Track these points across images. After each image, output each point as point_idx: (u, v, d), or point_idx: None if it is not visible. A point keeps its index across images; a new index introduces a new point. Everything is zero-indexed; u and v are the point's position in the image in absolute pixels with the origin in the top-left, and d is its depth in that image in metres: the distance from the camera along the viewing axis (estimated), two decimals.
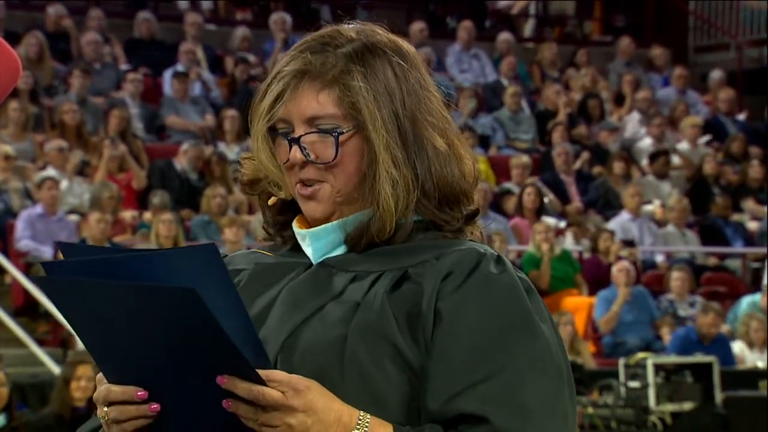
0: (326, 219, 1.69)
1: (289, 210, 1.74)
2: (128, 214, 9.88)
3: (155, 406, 1.57)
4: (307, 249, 1.71)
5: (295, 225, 1.73)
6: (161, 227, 9.13)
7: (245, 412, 1.54)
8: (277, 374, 1.55)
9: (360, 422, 1.56)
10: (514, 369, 1.59)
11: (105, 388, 1.60)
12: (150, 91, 11.70)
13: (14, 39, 10.80)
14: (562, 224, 11.16)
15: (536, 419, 1.57)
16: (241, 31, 12.79)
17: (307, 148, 1.67)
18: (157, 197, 9.92)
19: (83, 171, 10.17)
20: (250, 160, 1.74)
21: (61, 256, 1.56)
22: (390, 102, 1.67)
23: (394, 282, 1.64)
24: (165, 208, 9.72)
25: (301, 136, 1.67)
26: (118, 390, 1.59)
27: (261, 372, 1.53)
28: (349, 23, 1.74)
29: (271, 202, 1.74)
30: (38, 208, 9.48)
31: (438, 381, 1.58)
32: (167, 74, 11.71)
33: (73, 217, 9.69)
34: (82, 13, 12.23)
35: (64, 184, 9.83)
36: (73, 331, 1.59)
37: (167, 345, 1.51)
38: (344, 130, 1.66)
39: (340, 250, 1.70)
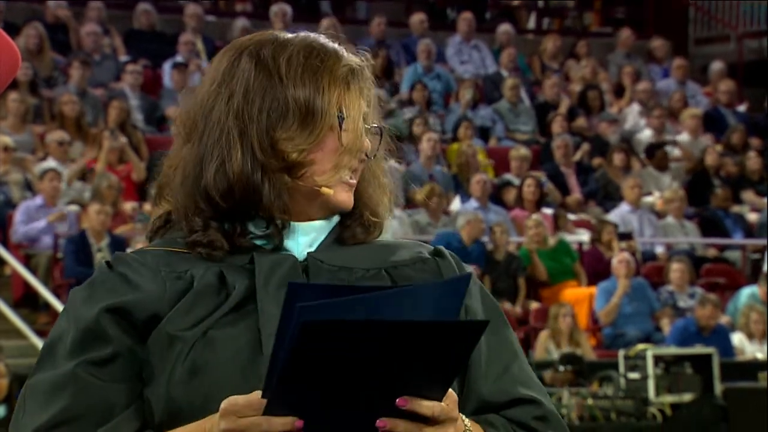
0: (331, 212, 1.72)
1: (216, 211, 1.67)
2: (128, 206, 9.88)
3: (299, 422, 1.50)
4: (289, 242, 1.68)
5: (279, 217, 1.68)
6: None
7: (405, 430, 1.52)
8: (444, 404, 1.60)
9: (465, 425, 1.63)
10: (521, 356, 1.76)
11: (265, 420, 1.50)
12: (150, 83, 11.70)
13: (14, 30, 10.79)
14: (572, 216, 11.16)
15: (546, 396, 1.75)
16: (240, 23, 12.78)
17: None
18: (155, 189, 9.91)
19: (83, 171, 10.17)
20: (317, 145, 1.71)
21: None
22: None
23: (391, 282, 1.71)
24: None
25: (375, 126, 1.72)
26: (278, 422, 1.50)
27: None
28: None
29: (325, 191, 1.72)
30: (38, 200, 9.48)
31: (482, 368, 1.70)
32: (167, 65, 11.70)
33: (73, 208, 9.69)
34: (81, 4, 12.22)
35: (64, 174, 9.83)
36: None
37: (391, 377, 1.48)
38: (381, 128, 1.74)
39: (312, 248, 1.69)
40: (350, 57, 1.71)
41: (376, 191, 1.72)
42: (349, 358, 1.45)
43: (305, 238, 1.69)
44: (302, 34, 1.73)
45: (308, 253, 1.68)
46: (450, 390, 1.56)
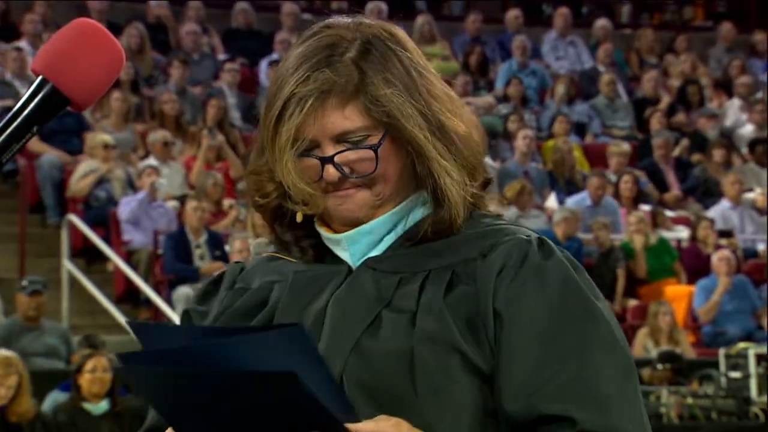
0: (363, 218, 1.65)
1: (304, 221, 1.68)
2: (226, 203, 10.00)
3: None
4: (343, 253, 1.66)
5: (322, 230, 1.67)
6: (257, 216, 9.20)
7: None
8: (366, 426, 1.51)
9: None
10: (582, 357, 1.56)
11: None
12: (247, 81, 11.83)
13: (116, 30, 10.98)
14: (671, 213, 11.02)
15: (616, 408, 1.55)
16: None
17: (342, 165, 1.63)
18: (243, 185, 10.02)
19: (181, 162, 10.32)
20: (254, 175, 1.68)
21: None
22: (411, 98, 1.63)
23: (445, 285, 1.60)
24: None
25: (334, 155, 1.62)
26: None
27: (349, 426, 1.50)
28: (331, 16, 1.72)
29: (299, 219, 1.67)
30: (139, 196, 9.64)
31: (511, 382, 1.55)
32: (264, 64, 11.82)
33: (173, 204, 9.83)
34: (181, 3, 12.40)
35: (165, 172, 9.99)
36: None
37: (261, 427, 1.48)
38: (380, 141, 1.62)
39: (378, 250, 1.65)
40: (308, 84, 1.61)
41: (445, 181, 1.62)
42: (195, 407, 1.48)
43: (356, 246, 1.65)
44: (307, 33, 1.69)
45: (367, 259, 1.64)
46: (381, 424, 1.50)
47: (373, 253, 1.65)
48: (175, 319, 8.60)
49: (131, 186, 9.95)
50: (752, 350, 8.17)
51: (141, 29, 11.45)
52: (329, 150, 1.63)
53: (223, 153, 10.46)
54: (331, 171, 1.62)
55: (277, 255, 1.72)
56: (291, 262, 1.69)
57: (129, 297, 9.42)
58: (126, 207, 9.59)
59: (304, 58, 1.65)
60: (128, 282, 9.23)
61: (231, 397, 1.46)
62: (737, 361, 8.10)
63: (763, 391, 7.97)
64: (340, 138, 1.62)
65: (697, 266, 10.21)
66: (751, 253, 10.88)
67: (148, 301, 9.11)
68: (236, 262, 1.77)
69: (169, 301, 8.89)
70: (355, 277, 1.64)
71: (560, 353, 1.56)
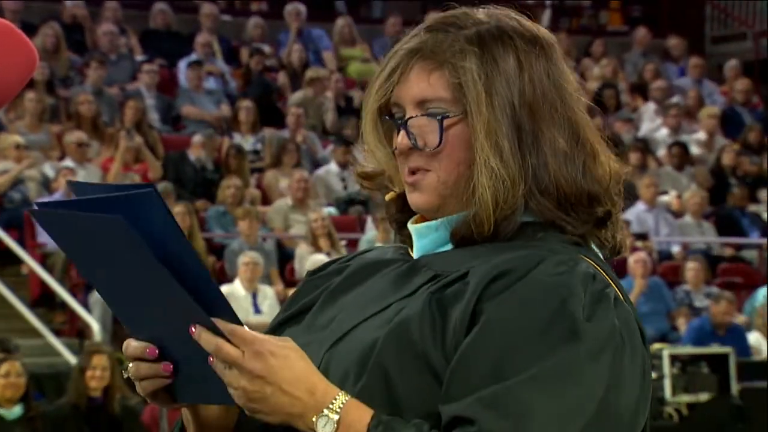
0: (433, 211, 1.57)
1: (408, 207, 1.61)
2: None
3: (167, 365, 1.50)
4: (414, 246, 1.60)
5: (410, 222, 1.61)
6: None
7: (216, 366, 1.46)
8: (242, 331, 1.45)
9: (334, 402, 1.45)
10: (531, 377, 1.43)
11: (126, 341, 1.55)
12: (165, 82, 11.73)
13: (31, 30, 10.82)
14: None
15: (535, 429, 1.41)
16: (255, 22, 12.80)
17: (415, 134, 1.55)
18: (161, 187, 9.97)
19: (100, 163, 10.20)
20: (371, 152, 1.63)
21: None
22: (506, 89, 1.53)
23: (448, 281, 1.52)
24: (169, 196, 9.75)
25: (407, 119, 1.55)
26: (134, 344, 1.52)
27: (223, 325, 1.44)
28: (482, 6, 1.62)
29: (388, 197, 1.62)
30: (56, 197, 9.51)
31: (452, 382, 1.46)
32: (182, 65, 11.73)
33: None
34: (98, 4, 12.26)
35: (81, 174, 9.87)
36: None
37: (137, 288, 1.48)
38: (450, 114, 1.54)
39: (445, 249, 1.57)
40: (410, 42, 1.56)
41: (480, 177, 1.52)
42: (84, 254, 1.51)
43: (423, 241, 1.58)
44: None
45: (422, 256, 1.57)
46: (260, 339, 1.44)
47: (439, 251, 1.58)
48: (93, 324, 8.50)
49: (47, 188, 9.81)
50: (666, 351, 8.29)
51: (57, 29, 11.30)
52: (410, 116, 1.56)
53: (142, 155, 10.36)
54: (403, 138, 1.55)
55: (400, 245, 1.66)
56: (394, 248, 1.64)
57: (44, 300, 9.28)
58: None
59: (424, 24, 1.60)
60: (43, 285, 9.10)
61: (92, 245, 1.47)
62: (652, 362, 8.21)
63: (677, 392, 8.10)
64: (422, 105, 1.55)
65: (613, 268, 10.32)
66: (665, 255, 11.05)
67: (64, 305, 8.98)
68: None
69: (85, 305, 8.78)
70: (402, 270, 1.58)
71: (514, 370, 1.44)
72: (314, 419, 1.45)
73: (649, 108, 13.03)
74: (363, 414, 1.46)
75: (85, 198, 1.50)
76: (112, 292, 1.53)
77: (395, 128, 1.58)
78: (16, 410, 6.65)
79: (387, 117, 1.59)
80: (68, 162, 9.96)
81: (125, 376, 1.55)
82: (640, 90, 13.37)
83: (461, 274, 1.52)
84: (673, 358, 8.21)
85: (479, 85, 1.53)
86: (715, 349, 8.57)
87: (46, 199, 9.57)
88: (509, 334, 1.46)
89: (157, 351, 1.50)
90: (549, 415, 1.42)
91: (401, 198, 1.61)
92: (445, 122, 1.54)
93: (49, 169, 10.00)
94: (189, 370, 1.51)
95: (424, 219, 1.61)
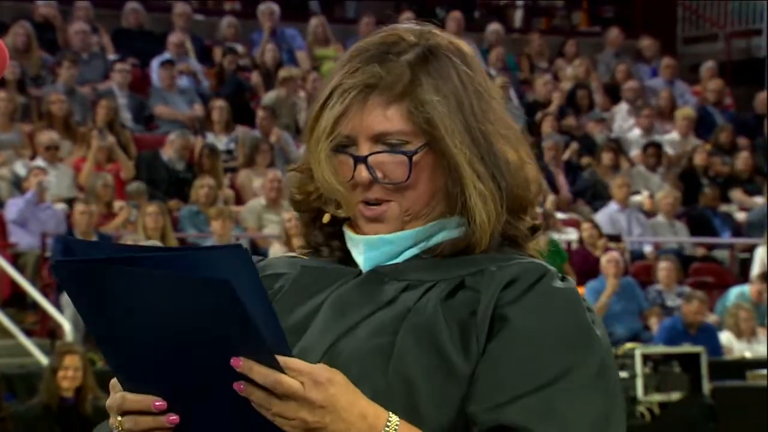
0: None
1: (338, 220, 1.63)
2: (117, 205, 9.86)
3: (174, 417, 1.47)
4: (359, 257, 1.60)
5: (347, 230, 1.62)
6: (148, 219, 9.10)
7: (259, 399, 1.42)
8: (298, 363, 1.43)
9: (389, 425, 1.46)
10: (565, 384, 1.49)
11: (120, 396, 1.50)
12: (138, 81, 11.68)
13: (1, 29, 10.76)
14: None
15: None
16: (229, 21, 12.76)
17: (375, 168, 1.56)
18: (133, 186, 9.93)
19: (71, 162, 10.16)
20: (297, 173, 1.63)
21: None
22: (460, 114, 1.56)
23: (449, 290, 1.55)
24: (141, 196, 9.72)
25: (368, 155, 1.56)
26: (134, 399, 1.48)
27: (280, 358, 1.42)
28: (403, 22, 1.64)
29: (326, 220, 1.62)
30: (27, 196, 9.46)
31: (485, 387, 1.49)
32: (155, 64, 11.69)
33: (61, 206, 9.67)
34: (69, 3, 12.20)
35: (52, 173, 9.81)
36: (90, 331, 1.51)
37: (190, 342, 1.43)
38: (417, 149, 1.55)
39: (394, 261, 1.59)
40: (356, 75, 1.55)
41: (476, 202, 1.54)
42: (125, 313, 1.44)
43: (373, 252, 1.59)
44: (384, 29, 1.63)
45: (379, 266, 1.58)
46: (316, 368, 1.43)
47: (395, 261, 1.59)
48: (65, 324, 8.45)
49: (17, 187, 9.75)
50: (639, 350, 8.32)
51: (28, 28, 11.23)
52: (365, 149, 1.56)
53: (114, 154, 10.31)
54: (363, 172, 1.56)
55: (300, 256, 1.66)
56: (310, 260, 1.64)
57: (15, 300, 9.22)
58: (13, 208, 9.40)
59: (358, 52, 1.59)
60: (14, 285, 9.04)
61: (164, 308, 1.42)
62: (624, 362, 8.24)
63: (649, 391, 8.13)
64: (378, 138, 1.56)
65: (586, 268, 10.36)
66: (638, 255, 11.09)
67: (35, 305, 8.93)
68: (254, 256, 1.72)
69: (57, 305, 8.72)
70: (361, 280, 1.58)
71: (544, 375, 1.49)
72: None
73: (622, 108, 13.08)
74: None
75: (161, 254, 1.45)
76: (129, 347, 1.48)
77: (350, 158, 1.57)
78: None
79: (340, 150, 1.58)
80: (39, 161, 9.90)
81: (114, 429, 1.52)
82: (613, 90, 13.42)
83: (458, 283, 1.55)
84: (645, 358, 8.24)
85: (445, 116, 1.55)
86: (687, 348, 8.61)
87: (15, 199, 9.50)
88: (537, 340, 1.50)
89: (165, 404, 1.47)
90: (585, 422, 1.49)
91: (322, 214, 1.63)
92: (414, 158, 1.55)
93: (20, 168, 9.94)
94: (199, 419, 1.48)
95: (355, 228, 1.62)
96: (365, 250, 1.60)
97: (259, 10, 12.80)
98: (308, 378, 1.43)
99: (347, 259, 1.63)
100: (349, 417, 1.44)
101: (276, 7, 12.75)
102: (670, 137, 12.78)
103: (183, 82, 11.69)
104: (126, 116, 11.20)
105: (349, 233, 1.62)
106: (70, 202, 9.71)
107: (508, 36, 14.14)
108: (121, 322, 1.46)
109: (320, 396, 1.43)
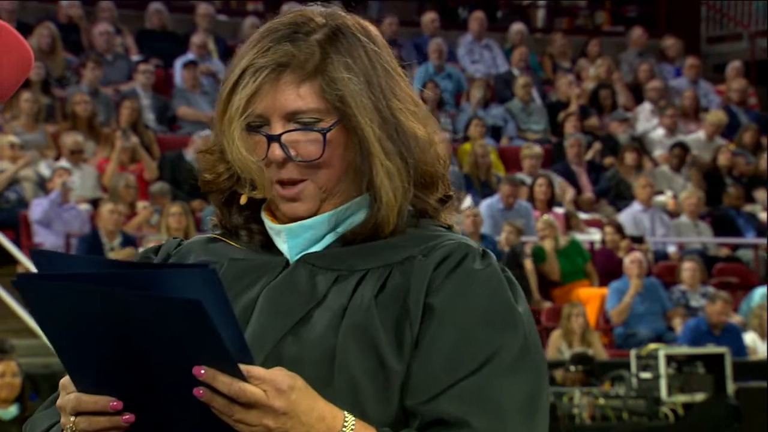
0: (308, 217, 1.61)
1: (254, 203, 1.64)
2: (140, 205, 9.90)
3: (129, 416, 1.48)
4: (282, 245, 1.61)
5: (266, 218, 1.63)
6: (171, 220, 9.14)
7: (221, 407, 1.45)
8: (260, 371, 1.46)
9: (346, 425, 1.50)
10: (492, 368, 1.53)
11: (75, 397, 1.50)
12: (161, 82, 11.72)
13: (26, 30, 10.81)
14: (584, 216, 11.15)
15: (517, 422, 1.52)
16: (252, 22, 12.79)
17: (289, 146, 1.57)
18: (157, 187, 9.97)
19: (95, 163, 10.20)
20: (207, 154, 1.64)
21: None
22: (369, 91, 1.58)
23: (380, 284, 1.57)
24: (164, 196, 9.74)
25: (282, 133, 1.57)
26: (89, 400, 1.48)
27: (242, 367, 1.45)
28: (308, 5, 1.66)
29: (243, 201, 1.63)
30: (51, 196, 9.50)
31: (418, 381, 1.53)
32: (178, 65, 11.73)
33: (85, 207, 9.71)
34: (93, 4, 12.25)
35: (77, 174, 9.86)
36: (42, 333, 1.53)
37: (151, 353, 1.45)
38: (330, 126, 1.57)
39: (318, 247, 1.61)
40: (268, 55, 1.57)
41: (382, 180, 1.57)
42: (87, 326, 1.45)
43: (296, 240, 1.61)
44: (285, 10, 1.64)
45: (305, 254, 1.60)
46: (278, 375, 1.45)
47: (313, 250, 1.61)
48: None
49: (42, 188, 9.81)
50: (662, 351, 8.29)
51: (52, 29, 11.28)
52: (278, 128, 1.57)
53: (137, 155, 10.35)
54: (276, 150, 1.57)
55: (219, 237, 1.67)
56: (232, 246, 1.65)
57: None
58: (37, 208, 9.45)
59: (268, 32, 1.61)
60: None
61: (131, 323, 1.43)
62: (648, 362, 8.22)
63: (672, 392, 8.10)
64: (291, 117, 1.58)
65: (609, 268, 10.34)
66: (661, 256, 11.05)
67: None
68: (174, 238, 1.74)
69: None
70: (291, 272, 1.59)
71: (472, 361, 1.53)
72: None
73: (645, 108, 13.04)
74: (370, 431, 1.51)
75: (139, 270, 1.47)
76: (89, 357, 1.49)
77: (264, 138, 1.58)
78: (12, 410, 6.64)
79: (253, 129, 1.58)
80: (64, 162, 9.95)
81: (68, 428, 1.51)
82: (636, 90, 13.38)
83: (388, 273, 1.56)
84: (669, 359, 8.21)
85: (356, 93, 1.57)
86: (711, 349, 8.58)
87: (39, 200, 9.56)
88: (461, 326, 1.54)
89: (121, 404, 1.48)
90: (517, 402, 1.52)
91: (239, 197, 1.63)
92: (327, 135, 1.57)
93: (44, 169, 9.99)
94: (154, 420, 1.49)
95: (273, 215, 1.62)
96: (288, 238, 1.61)
97: (281, 11, 12.81)
98: (271, 386, 1.45)
99: (269, 243, 1.63)
100: (308, 420, 1.47)
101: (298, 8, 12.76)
102: (695, 137, 12.73)
103: (206, 82, 11.73)
104: (149, 117, 11.25)
105: (268, 222, 1.63)
106: (94, 202, 9.76)
107: (530, 36, 14.12)
108: (81, 336, 1.47)
109: (283, 403, 1.46)
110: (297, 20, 1.62)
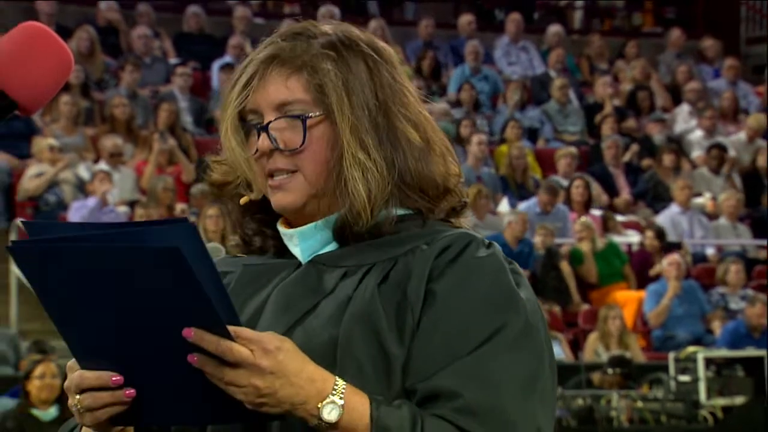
0: (297, 211, 1.64)
1: (265, 210, 1.69)
2: (178, 208, 9.95)
3: (131, 391, 1.52)
4: (295, 249, 1.66)
5: (280, 226, 1.68)
6: (208, 222, 9.17)
7: (211, 369, 1.48)
8: (247, 332, 1.50)
9: (336, 388, 1.52)
10: (492, 346, 1.56)
11: (78, 374, 1.54)
12: (199, 85, 11.78)
13: (66, 33, 10.90)
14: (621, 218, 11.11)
15: (510, 396, 1.54)
16: (288, 24, 12.83)
17: (276, 136, 1.62)
18: (195, 189, 10.01)
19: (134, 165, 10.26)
20: (221, 163, 1.70)
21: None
22: (361, 90, 1.62)
23: (384, 273, 1.61)
24: (203, 198, 9.78)
25: (269, 123, 1.63)
26: (91, 375, 1.53)
27: (230, 328, 1.48)
28: (283, 19, 1.75)
29: (243, 201, 1.68)
30: (90, 201, 9.57)
31: (418, 362, 1.57)
32: (216, 67, 11.78)
33: (123, 209, 9.77)
34: (131, 7, 12.33)
35: (116, 177, 9.93)
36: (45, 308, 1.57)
37: (144, 316, 1.49)
38: (312, 115, 1.61)
39: (330, 248, 1.65)
40: (265, 50, 1.64)
41: (352, 172, 1.60)
42: (81, 292, 1.49)
43: (308, 242, 1.65)
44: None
45: (315, 255, 1.64)
46: (265, 336, 1.49)
47: (324, 251, 1.65)
48: None
49: (81, 190, 9.88)
50: (701, 354, 8.24)
51: (91, 32, 11.37)
52: (268, 120, 1.63)
53: (175, 157, 10.40)
54: (264, 140, 1.62)
55: (237, 255, 1.72)
56: (252, 259, 1.70)
57: None
58: (77, 214, 9.51)
59: (275, 36, 1.69)
60: None
61: (120, 283, 1.47)
62: (686, 365, 8.17)
63: (712, 395, 8.05)
64: (280, 108, 1.63)
65: (647, 270, 10.28)
66: (700, 258, 10.98)
67: None
68: None
69: None
70: (302, 271, 1.65)
71: (472, 341, 1.56)
72: (319, 406, 1.51)
73: (683, 110, 12.96)
74: (361, 397, 1.53)
75: (113, 231, 1.51)
76: (86, 325, 1.52)
77: (256, 133, 1.63)
78: (52, 411, 6.69)
79: (245, 123, 1.64)
80: (103, 165, 10.02)
81: (73, 408, 1.54)
82: (674, 92, 13.30)
83: (392, 265, 1.60)
84: (708, 361, 8.16)
85: (338, 86, 1.61)
86: (751, 352, 8.52)
87: (79, 203, 9.63)
88: (463, 309, 1.58)
89: (122, 378, 1.52)
90: (513, 381, 1.55)
91: (256, 204, 1.68)
92: (308, 122, 1.61)
93: (84, 172, 10.07)
94: (155, 393, 1.52)
95: (289, 223, 1.68)
96: (299, 241, 1.65)
97: (318, 13, 12.85)
98: (258, 346, 1.49)
99: (283, 250, 1.68)
100: (298, 381, 1.50)
101: (336, 10, 12.79)
102: (735, 138, 12.64)
103: None
104: (187, 119, 11.30)
105: (281, 228, 1.67)
106: (132, 204, 9.82)
107: (567, 37, 14.07)
108: (76, 300, 1.51)
109: (270, 363, 1.49)
110: (305, 26, 1.70)
